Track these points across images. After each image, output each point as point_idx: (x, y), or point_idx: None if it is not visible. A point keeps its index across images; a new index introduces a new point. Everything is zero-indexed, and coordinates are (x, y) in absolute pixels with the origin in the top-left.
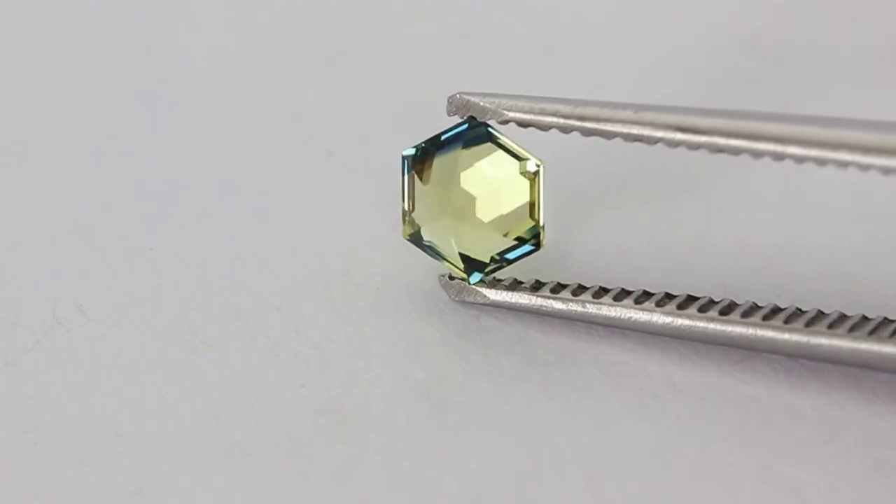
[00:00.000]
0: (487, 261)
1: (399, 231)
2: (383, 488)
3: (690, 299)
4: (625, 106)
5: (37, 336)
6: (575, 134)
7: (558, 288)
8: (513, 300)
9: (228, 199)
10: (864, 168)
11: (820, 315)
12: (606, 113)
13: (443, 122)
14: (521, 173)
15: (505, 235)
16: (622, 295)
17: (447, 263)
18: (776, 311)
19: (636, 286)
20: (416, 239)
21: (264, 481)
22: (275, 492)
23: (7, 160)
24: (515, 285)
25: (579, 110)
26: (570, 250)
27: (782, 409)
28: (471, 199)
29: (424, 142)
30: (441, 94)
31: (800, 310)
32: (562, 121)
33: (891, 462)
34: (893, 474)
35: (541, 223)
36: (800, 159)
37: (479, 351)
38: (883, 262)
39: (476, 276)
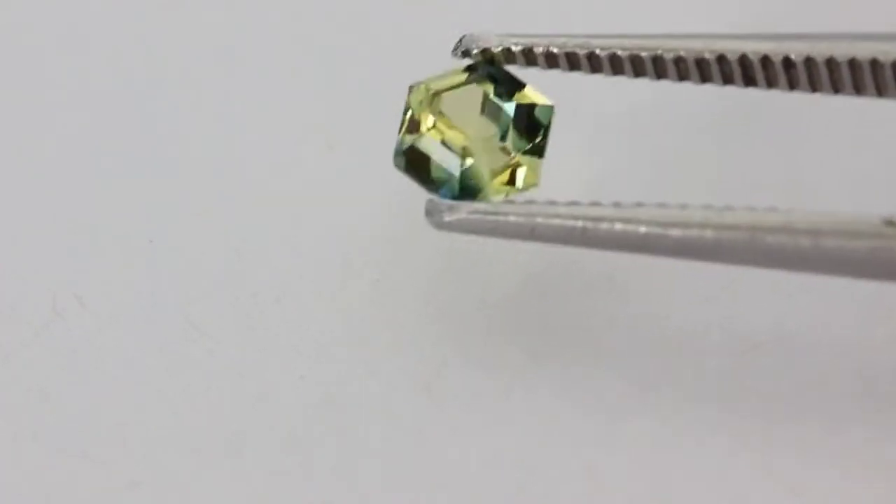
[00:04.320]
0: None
1: (399, 224)
2: (383, 480)
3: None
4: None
5: (36, 329)
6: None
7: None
8: (508, 213)
9: (228, 192)
10: None
11: None
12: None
13: None
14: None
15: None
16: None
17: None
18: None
19: None
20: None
21: (263, 473)
22: (273, 484)
23: (6, 153)
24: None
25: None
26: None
27: (782, 403)
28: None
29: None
30: None
31: None
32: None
33: (891, 458)
34: (892, 470)
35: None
36: None
37: (479, 343)
38: None
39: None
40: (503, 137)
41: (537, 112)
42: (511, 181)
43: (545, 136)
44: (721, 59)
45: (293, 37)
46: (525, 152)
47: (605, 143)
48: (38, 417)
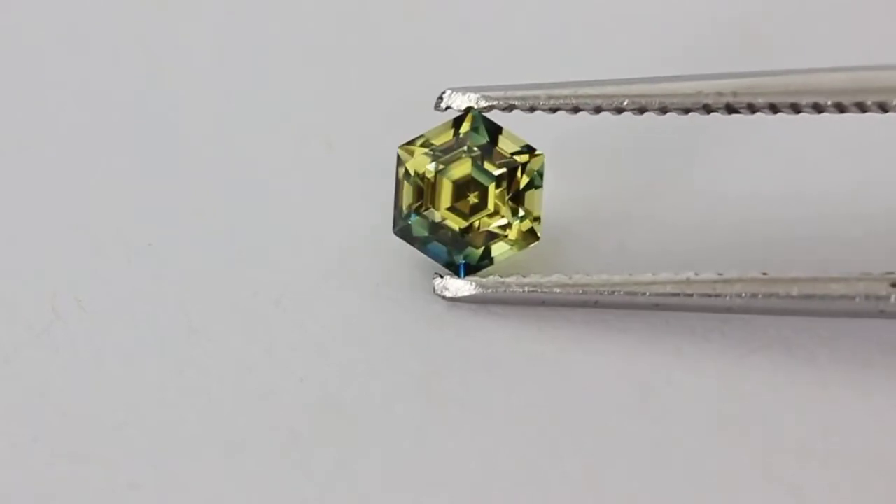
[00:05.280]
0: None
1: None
2: (382, 482)
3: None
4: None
5: (36, 330)
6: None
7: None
8: (511, 287)
9: (227, 194)
10: None
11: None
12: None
13: (440, 114)
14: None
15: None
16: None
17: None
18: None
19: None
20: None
21: (263, 475)
22: (273, 485)
23: (6, 154)
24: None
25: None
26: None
27: (781, 405)
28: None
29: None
30: (440, 86)
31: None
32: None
33: (889, 458)
34: (892, 470)
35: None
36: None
37: (477, 345)
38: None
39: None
40: (498, 187)
41: (529, 168)
42: (516, 215)
43: (539, 184)
44: (707, 107)
45: (293, 37)
46: (526, 188)
47: (593, 158)
48: (38, 417)
